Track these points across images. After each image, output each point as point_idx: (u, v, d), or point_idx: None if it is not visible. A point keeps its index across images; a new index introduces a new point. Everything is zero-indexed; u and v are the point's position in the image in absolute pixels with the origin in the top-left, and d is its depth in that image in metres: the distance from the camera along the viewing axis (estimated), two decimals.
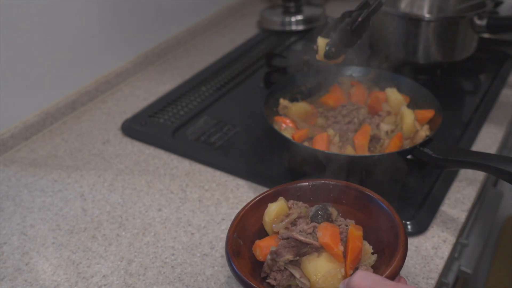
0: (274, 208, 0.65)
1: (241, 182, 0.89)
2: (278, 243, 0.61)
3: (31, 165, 0.97)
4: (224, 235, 0.78)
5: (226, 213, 0.83)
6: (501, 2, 1.27)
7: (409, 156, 0.81)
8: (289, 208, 0.66)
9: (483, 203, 1.04)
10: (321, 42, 0.84)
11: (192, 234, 0.79)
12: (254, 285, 0.56)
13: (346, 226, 0.63)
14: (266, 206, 0.67)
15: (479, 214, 1.01)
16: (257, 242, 0.64)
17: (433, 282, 0.69)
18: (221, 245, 0.77)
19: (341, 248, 0.59)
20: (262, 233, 0.66)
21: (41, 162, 0.97)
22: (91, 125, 1.08)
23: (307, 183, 0.70)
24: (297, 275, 0.60)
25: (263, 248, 0.63)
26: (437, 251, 0.74)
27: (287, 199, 0.68)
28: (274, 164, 0.92)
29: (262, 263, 0.63)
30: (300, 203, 0.68)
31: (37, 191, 0.90)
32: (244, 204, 0.77)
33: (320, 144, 0.82)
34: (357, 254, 0.59)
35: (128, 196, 0.87)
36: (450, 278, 0.84)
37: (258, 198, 0.68)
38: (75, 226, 0.82)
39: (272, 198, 0.68)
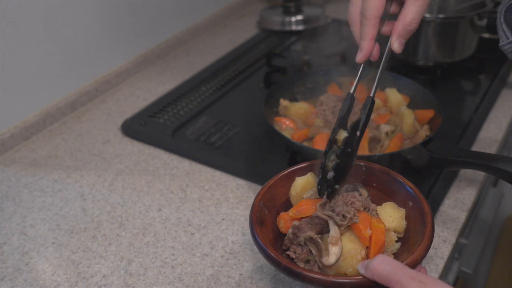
0: (300, 182, 0.64)
1: (241, 182, 0.89)
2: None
3: (31, 165, 0.97)
4: (224, 235, 0.78)
5: (226, 213, 0.83)
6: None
7: (409, 156, 0.81)
8: None
9: (483, 203, 1.04)
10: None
11: (192, 234, 0.79)
12: (273, 255, 0.55)
13: (369, 210, 0.62)
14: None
15: (479, 214, 1.01)
16: (282, 214, 0.63)
17: None
18: (221, 245, 0.77)
19: (369, 232, 0.58)
20: (289, 205, 0.66)
21: (41, 162, 0.97)
22: (91, 125, 1.08)
23: None
24: (314, 252, 0.59)
25: (287, 220, 0.62)
26: (437, 251, 0.74)
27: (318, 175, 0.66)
28: (274, 164, 0.92)
29: (284, 235, 0.62)
30: None
31: (37, 191, 0.90)
32: (245, 204, 0.77)
33: (320, 144, 0.82)
34: (380, 247, 0.59)
35: (128, 196, 0.87)
36: (450, 278, 0.84)
37: (290, 170, 0.67)
38: (75, 226, 0.82)
39: (304, 172, 0.66)
